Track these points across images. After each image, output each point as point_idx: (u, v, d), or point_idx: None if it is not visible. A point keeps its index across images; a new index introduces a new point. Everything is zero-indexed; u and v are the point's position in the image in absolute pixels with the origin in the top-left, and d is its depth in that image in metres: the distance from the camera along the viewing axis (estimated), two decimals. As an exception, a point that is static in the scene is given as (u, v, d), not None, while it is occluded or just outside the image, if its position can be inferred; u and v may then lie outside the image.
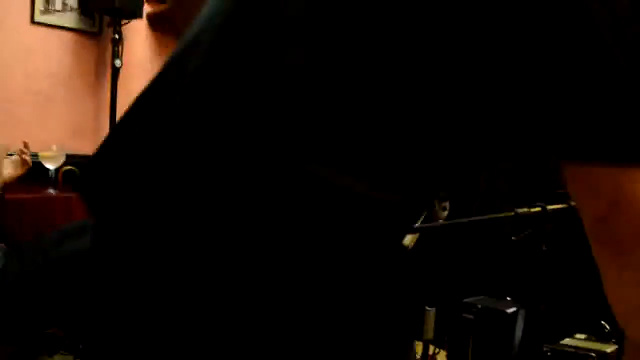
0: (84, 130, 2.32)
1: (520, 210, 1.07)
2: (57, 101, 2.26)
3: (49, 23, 2.23)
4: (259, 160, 0.45)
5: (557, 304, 1.77)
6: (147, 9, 2.37)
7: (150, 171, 0.50)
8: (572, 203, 1.11)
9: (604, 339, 1.70)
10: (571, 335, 1.73)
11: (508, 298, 1.76)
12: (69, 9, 2.27)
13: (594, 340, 1.72)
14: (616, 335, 1.66)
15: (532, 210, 1.08)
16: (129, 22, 2.26)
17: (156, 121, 0.52)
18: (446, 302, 1.69)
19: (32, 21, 2.20)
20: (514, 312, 1.68)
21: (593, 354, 1.64)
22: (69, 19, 2.28)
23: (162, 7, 2.36)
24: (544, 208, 1.07)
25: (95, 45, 2.33)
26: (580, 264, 1.71)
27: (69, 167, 2.15)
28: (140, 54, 2.39)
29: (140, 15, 2.25)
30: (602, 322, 1.72)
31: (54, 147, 1.94)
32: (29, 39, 2.20)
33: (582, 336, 1.75)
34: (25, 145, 1.79)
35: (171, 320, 0.48)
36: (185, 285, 0.47)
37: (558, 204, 1.08)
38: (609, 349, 1.64)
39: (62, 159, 1.95)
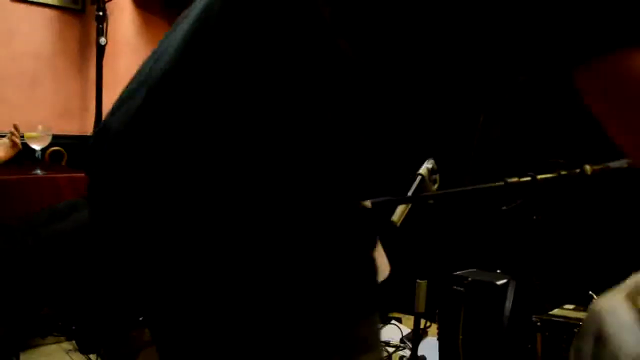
0: (70, 110, 2.29)
1: (510, 180, 1.07)
2: (42, 81, 2.22)
3: (30, 0, 2.18)
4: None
5: (547, 275, 1.79)
6: (131, -15, 2.32)
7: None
8: (563, 172, 1.11)
9: (592, 308, 1.72)
10: (560, 306, 1.76)
11: (498, 270, 1.78)
12: (50, -15, 2.22)
13: (581, 310, 1.75)
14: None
15: (522, 179, 1.08)
16: (112, -1, 2.21)
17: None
18: (437, 275, 1.71)
19: (13, -2, 2.15)
20: (504, 284, 1.70)
21: (581, 323, 1.66)
22: (51, -4, 2.23)
23: (146, -17, 2.31)
24: (534, 177, 1.08)
25: (78, 23, 2.29)
26: (569, 235, 1.73)
27: (55, 148, 2.12)
28: (125, 32, 2.35)
29: (124, -8, 2.21)
30: (590, 292, 1.75)
31: (40, 128, 1.91)
32: (10, 17, 2.14)
33: (571, 306, 1.77)
34: (15, 127, 1.79)
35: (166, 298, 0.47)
36: (180, 258, 0.46)
37: (548, 173, 1.09)
38: (597, 318, 1.66)
39: (48, 140, 1.92)
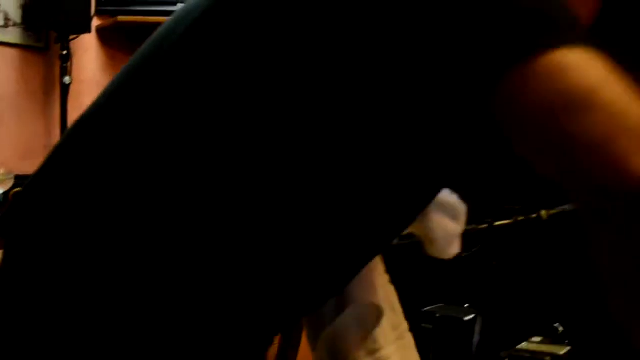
0: (34, 150, 2.25)
1: (467, 227, 1.09)
2: (4, 121, 2.19)
3: (-8, 39, 2.15)
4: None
5: (513, 309, 1.81)
6: (96, 22, 2.31)
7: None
8: (519, 218, 1.14)
9: (558, 341, 1.75)
10: (527, 339, 1.77)
11: (466, 305, 1.80)
12: (12, 24, 2.19)
13: (548, 343, 1.77)
14: (569, 336, 1.71)
15: (480, 227, 1.10)
16: (77, 37, 2.19)
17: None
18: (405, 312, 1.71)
19: (-26, 38, 2.12)
20: (471, 319, 1.71)
21: (548, 357, 1.68)
22: (13, 35, 2.20)
23: (112, 20, 2.30)
24: (491, 224, 1.10)
25: (42, 62, 2.26)
26: (533, 271, 1.76)
27: (19, 189, 2.09)
28: (91, 70, 2.33)
29: (88, 30, 2.19)
30: (556, 324, 1.77)
31: (1, 170, 1.87)
32: (-29, 57, 2.12)
33: (538, 339, 1.79)
34: None
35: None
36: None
37: (504, 219, 1.11)
38: (562, 351, 1.69)
39: (10, 182, 1.88)
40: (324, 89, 0.44)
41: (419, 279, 2.00)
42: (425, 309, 1.72)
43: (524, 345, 1.76)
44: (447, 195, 0.67)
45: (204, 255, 0.45)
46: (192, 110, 0.46)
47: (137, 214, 0.46)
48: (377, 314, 0.61)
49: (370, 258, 0.56)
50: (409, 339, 0.69)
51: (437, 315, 1.69)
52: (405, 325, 0.69)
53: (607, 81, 0.38)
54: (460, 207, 0.69)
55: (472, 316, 1.70)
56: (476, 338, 1.69)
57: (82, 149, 0.51)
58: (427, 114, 0.45)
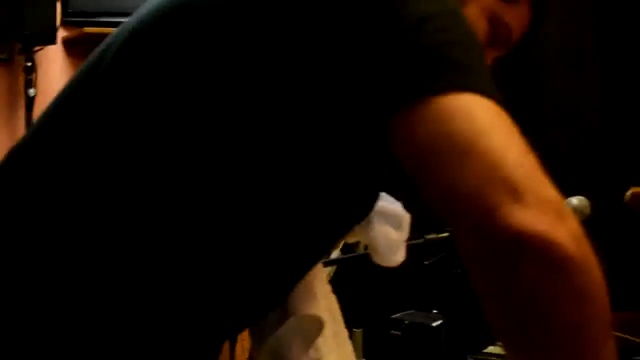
0: (-2, 163, 2.21)
1: (428, 237, 1.12)
2: (-33, 134, 2.14)
3: (-48, 51, 2.11)
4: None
5: (479, 313, 1.83)
6: (62, 34, 2.28)
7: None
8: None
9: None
10: (494, 343, 1.81)
11: (435, 310, 1.82)
12: (-26, 35, 2.16)
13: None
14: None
15: (440, 235, 1.13)
16: (42, 48, 2.16)
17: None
18: (373, 321, 1.73)
19: None
20: (439, 325, 1.74)
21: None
22: (-25, 46, 2.16)
23: (78, 32, 2.27)
24: (451, 233, 1.12)
25: (6, 74, 2.22)
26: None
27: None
28: (57, 82, 2.30)
29: (53, 41, 2.16)
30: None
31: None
32: None
33: (504, 342, 1.82)
34: None
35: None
36: None
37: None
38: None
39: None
40: (251, 96, 0.46)
41: (387, 286, 2.02)
42: (394, 315, 1.73)
43: (490, 348, 1.79)
44: (389, 204, 0.69)
45: (150, 265, 0.46)
46: (119, 125, 0.48)
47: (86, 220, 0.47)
48: (318, 325, 0.62)
49: (308, 267, 0.58)
50: (349, 347, 0.71)
51: (406, 322, 1.71)
52: (345, 333, 0.71)
53: (492, 129, 0.39)
54: (403, 216, 0.72)
55: (439, 322, 1.72)
56: (444, 343, 1.71)
57: (39, 149, 0.52)
58: (350, 124, 0.47)
